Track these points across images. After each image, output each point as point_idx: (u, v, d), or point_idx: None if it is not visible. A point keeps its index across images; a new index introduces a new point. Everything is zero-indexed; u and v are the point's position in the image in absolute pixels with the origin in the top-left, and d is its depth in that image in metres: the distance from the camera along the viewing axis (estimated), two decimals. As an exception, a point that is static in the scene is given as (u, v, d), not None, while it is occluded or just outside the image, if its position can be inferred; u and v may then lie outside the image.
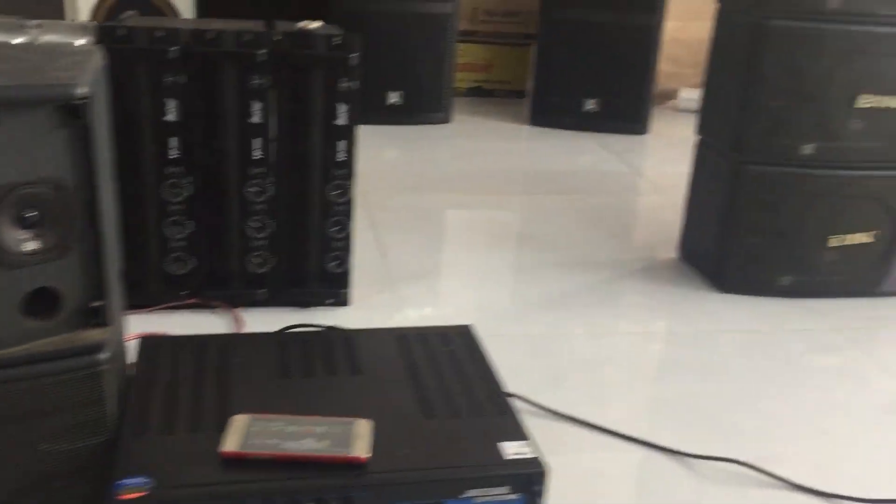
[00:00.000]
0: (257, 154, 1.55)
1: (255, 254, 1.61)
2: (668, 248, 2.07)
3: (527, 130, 3.14)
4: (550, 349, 1.58)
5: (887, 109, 1.71)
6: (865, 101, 1.70)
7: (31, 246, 0.86)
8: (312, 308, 1.66)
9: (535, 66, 3.13)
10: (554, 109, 3.13)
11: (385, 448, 0.94)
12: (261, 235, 1.60)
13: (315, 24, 1.66)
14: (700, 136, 1.93)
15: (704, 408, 1.42)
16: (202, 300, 1.60)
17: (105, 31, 1.44)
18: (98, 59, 0.96)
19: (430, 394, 1.05)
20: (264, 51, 1.50)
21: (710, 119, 1.89)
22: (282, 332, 1.38)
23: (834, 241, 1.80)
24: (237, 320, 1.58)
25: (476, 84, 3.52)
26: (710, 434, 1.34)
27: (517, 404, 1.32)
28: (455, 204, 2.38)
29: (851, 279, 1.84)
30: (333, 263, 1.65)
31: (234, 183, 1.56)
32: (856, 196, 1.77)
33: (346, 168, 1.60)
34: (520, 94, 3.52)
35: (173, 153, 1.52)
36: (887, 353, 1.64)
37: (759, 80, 1.69)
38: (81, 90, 0.82)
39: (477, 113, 3.33)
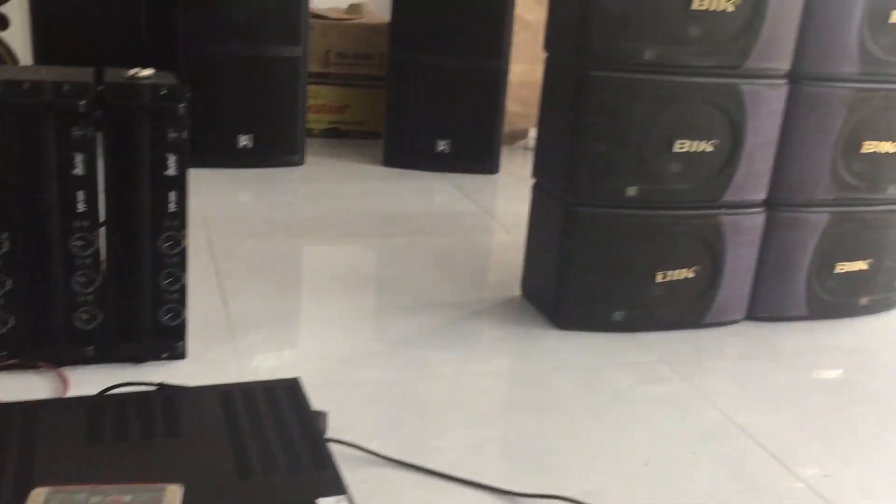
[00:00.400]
0: (81, 207, 1.50)
1: (82, 309, 1.55)
2: (514, 287, 2.13)
3: (381, 171, 3.17)
4: (392, 394, 1.59)
5: (701, 153, 1.83)
6: (681, 146, 1.82)
7: None
8: (147, 363, 1.61)
9: (386, 108, 3.18)
10: (407, 150, 3.18)
11: (196, 513, 0.92)
12: (88, 290, 1.55)
13: (146, 72, 1.63)
14: (536, 179, 2.01)
15: (536, 445, 1.46)
16: (24, 361, 1.53)
17: None
18: None
19: (250, 453, 1.04)
20: (85, 101, 1.46)
21: (544, 163, 1.97)
22: (98, 395, 1.33)
23: (660, 277, 1.91)
24: (62, 381, 1.51)
25: (331, 125, 3.54)
26: (539, 471, 1.38)
27: (350, 453, 1.32)
28: (306, 248, 2.37)
29: (678, 312, 1.94)
30: (167, 316, 1.61)
31: (56, 237, 1.50)
32: (677, 234, 1.88)
33: (178, 219, 1.57)
34: (376, 135, 3.55)
35: (-13, 208, 1.45)
36: (708, 382, 1.75)
37: (584, 126, 1.78)
38: None
39: (331, 155, 3.34)
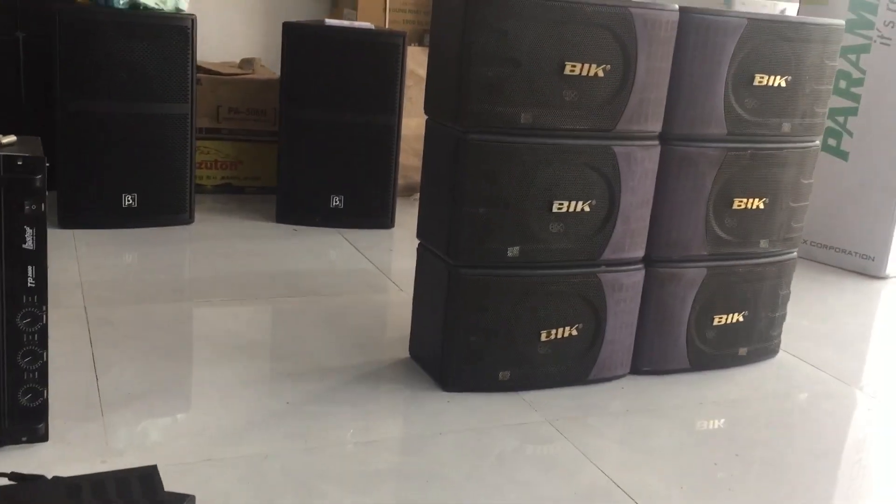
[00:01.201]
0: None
1: (-69, 394, 1.46)
2: (403, 348, 2.11)
3: (274, 228, 3.12)
4: (268, 471, 1.54)
5: (579, 213, 1.87)
6: (559, 206, 1.85)
7: None
8: (5, 448, 1.52)
9: (278, 164, 3.14)
10: (300, 206, 3.14)
11: None
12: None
13: (8, 139, 1.56)
14: (420, 240, 2.00)
15: (416, 519, 1.44)
16: None
17: None
18: None
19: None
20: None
21: (428, 224, 1.97)
22: None
23: (545, 336, 1.92)
24: None
25: (224, 181, 3.47)
26: (417, 548, 1.35)
27: (215, 542, 1.27)
28: (193, 311, 2.30)
29: (563, 370, 1.96)
30: (27, 398, 1.52)
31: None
32: (559, 292, 1.90)
33: (37, 294, 1.50)
34: (270, 190, 3.50)
35: None
36: (593, 441, 1.75)
37: (463, 188, 1.79)
38: None
39: (223, 211, 3.27)
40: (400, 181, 3.27)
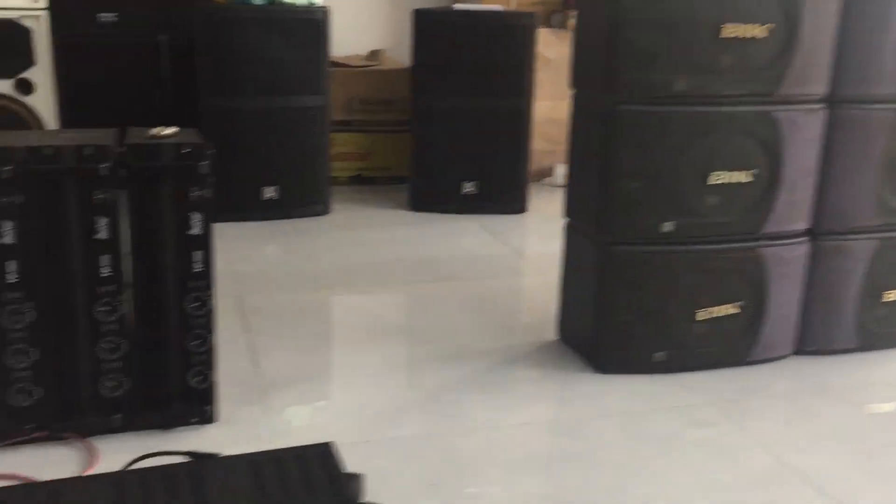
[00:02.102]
0: (106, 272, 1.48)
1: (109, 377, 1.52)
2: (549, 331, 2.07)
3: (408, 216, 3.14)
4: (428, 450, 1.53)
5: (738, 185, 1.77)
6: (717, 178, 1.76)
7: None
8: (175, 429, 1.57)
9: (411, 153, 3.15)
10: (433, 194, 3.14)
11: None
12: (114, 357, 1.51)
13: (169, 130, 1.61)
14: (567, 219, 1.95)
15: (581, 500, 1.39)
16: (51, 433, 1.49)
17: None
18: None
19: (282, 527, 0.99)
20: (106, 165, 1.44)
21: (575, 201, 1.92)
22: (122, 472, 1.28)
23: (702, 315, 1.83)
24: (90, 452, 1.47)
25: (356, 172, 3.52)
26: (589, 530, 1.31)
27: (387, 520, 1.26)
28: (336, 299, 2.33)
29: (722, 351, 1.87)
30: (196, 380, 1.57)
31: (81, 304, 1.47)
32: (717, 269, 1.81)
33: (204, 279, 1.54)
34: (401, 180, 3.53)
35: (11, 278, 1.42)
36: (758, 424, 1.66)
37: (615, 162, 1.73)
38: None
39: (357, 202, 3.31)
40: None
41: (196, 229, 1.51)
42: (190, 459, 1.34)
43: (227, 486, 1.06)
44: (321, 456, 1.15)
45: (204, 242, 1.52)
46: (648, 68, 1.68)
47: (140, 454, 1.43)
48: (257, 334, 2.03)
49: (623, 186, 1.74)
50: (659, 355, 1.84)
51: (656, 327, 1.82)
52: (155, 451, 1.43)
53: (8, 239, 1.41)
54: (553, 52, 3.47)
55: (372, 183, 3.54)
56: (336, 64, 3.40)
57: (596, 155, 1.79)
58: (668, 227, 1.77)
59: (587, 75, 1.83)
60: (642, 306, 1.81)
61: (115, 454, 1.46)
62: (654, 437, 1.61)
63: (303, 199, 3.03)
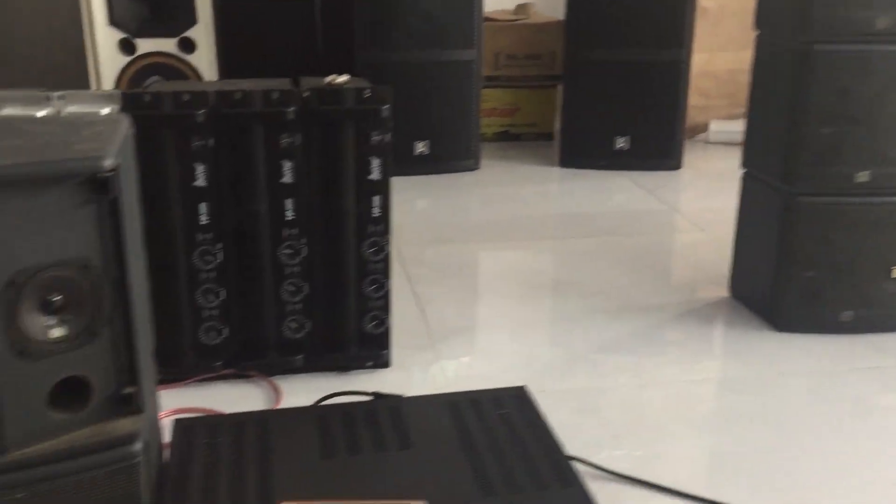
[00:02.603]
0: (290, 215, 1.50)
1: (291, 319, 1.55)
2: (715, 287, 1.98)
3: (557, 172, 3.08)
4: (600, 404, 1.49)
5: (944, 131, 1.62)
6: (920, 124, 1.62)
7: (57, 333, 0.80)
8: (352, 372, 1.59)
9: (562, 108, 3.08)
10: (584, 150, 3.07)
11: (446, 533, 0.85)
12: (296, 299, 1.54)
13: (342, 78, 1.61)
14: (746, 169, 1.85)
15: (770, 460, 1.32)
16: (237, 370, 1.54)
17: (130, 98, 1.41)
18: (125, 128, 0.91)
19: (488, 467, 0.97)
20: (293, 108, 1.45)
21: (756, 150, 1.81)
22: (324, 406, 1.30)
23: (897, 272, 1.71)
24: (275, 390, 1.51)
25: (503, 129, 3.48)
26: (778, 489, 1.24)
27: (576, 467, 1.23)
28: (489, 253, 2.31)
29: (919, 311, 1.73)
30: (372, 324, 1.58)
31: (266, 246, 1.51)
32: (917, 223, 1.68)
33: (382, 224, 1.54)
34: (547, 137, 3.46)
35: (203, 219, 1.47)
36: (968, 389, 1.54)
37: (807, 107, 1.62)
38: (108, 162, 0.76)
39: (505, 158, 3.27)
40: (685, 120, 3.09)
41: (375, 174, 1.51)
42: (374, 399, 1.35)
43: (428, 423, 1.06)
44: (517, 399, 1.13)
45: (383, 187, 1.52)
46: (847, 4, 1.55)
47: (321, 395, 1.45)
48: (422, 284, 2.03)
49: (814, 133, 1.63)
50: (847, 314, 1.72)
51: (845, 284, 1.70)
52: (337, 391, 1.45)
53: (200, 181, 1.45)
54: (710, 1, 3.30)
55: (517, 139, 3.49)
56: (484, 18, 3.35)
57: (784, 99, 1.67)
58: (863, 176, 1.65)
59: (776, 14, 1.71)
60: (831, 262, 1.69)
61: (297, 393, 1.50)
62: (844, 399, 1.51)
63: (453, 154, 3.01)
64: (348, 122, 1.48)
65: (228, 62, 3.11)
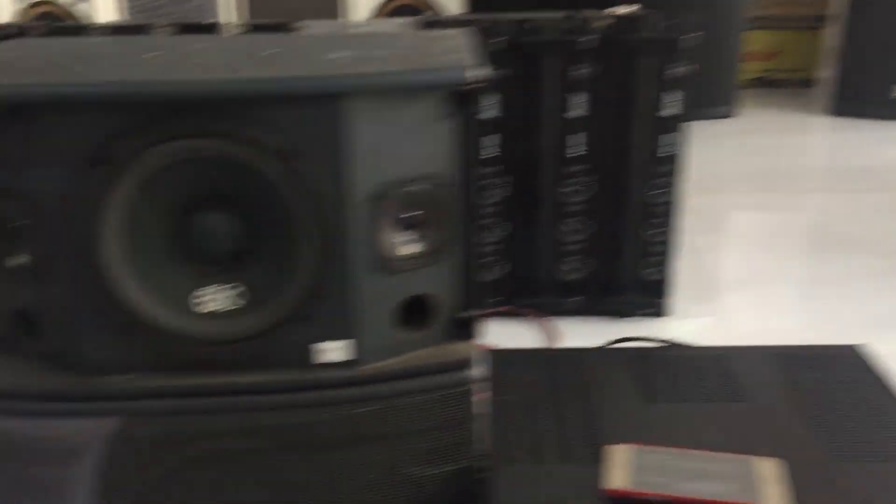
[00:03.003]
0: (576, 151, 1.44)
1: (569, 259, 1.50)
2: None
3: (826, 122, 2.81)
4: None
5: None
6: None
7: (410, 249, 0.79)
8: (627, 318, 1.52)
9: (839, 51, 2.79)
10: (859, 97, 2.77)
11: (803, 497, 0.77)
12: (575, 239, 1.49)
13: (629, 9, 1.52)
14: None
15: None
16: (513, 308, 1.51)
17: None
18: (474, 43, 0.86)
19: (833, 429, 0.87)
20: (588, 38, 1.38)
21: None
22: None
23: None
24: (551, 331, 1.47)
25: (760, 74, 3.22)
26: None
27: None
28: (758, 204, 2.14)
29: None
30: (651, 270, 1.50)
31: (548, 183, 1.46)
32: None
33: (670, 164, 1.44)
34: (807, 83, 3.17)
35: (493, 151, 1.44)
36: None
37: None
38: (474, 74, 0.73)
39: (762, 105, 3.03)
40: None
41: (669, 110, 1.41)
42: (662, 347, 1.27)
43: (754, 376, 0.97)
44: (850, 358, 1.01)
45: (676, 125, 1.42)
46: None
47: (598, 339, 1.39)
48: (695, 234, 1.91)
49: None
50: None
51: None
52: (620, 337, 1.38)
53: (493, 112, 1.41)
54: None
55: (775, 86, 3.23)
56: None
57: None
58: None
59: None
60: None
61: (573, 336, 1.45)
62: None
63: (708, 100, 2.83)
64: (645, 53, 1.38)
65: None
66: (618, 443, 0.85)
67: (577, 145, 1.43)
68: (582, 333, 1.46)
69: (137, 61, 0.78)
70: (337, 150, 0.72)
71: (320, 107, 0.71)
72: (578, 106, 1.41)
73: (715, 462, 0.81)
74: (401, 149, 0.75)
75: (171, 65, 0.76)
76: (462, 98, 0.75)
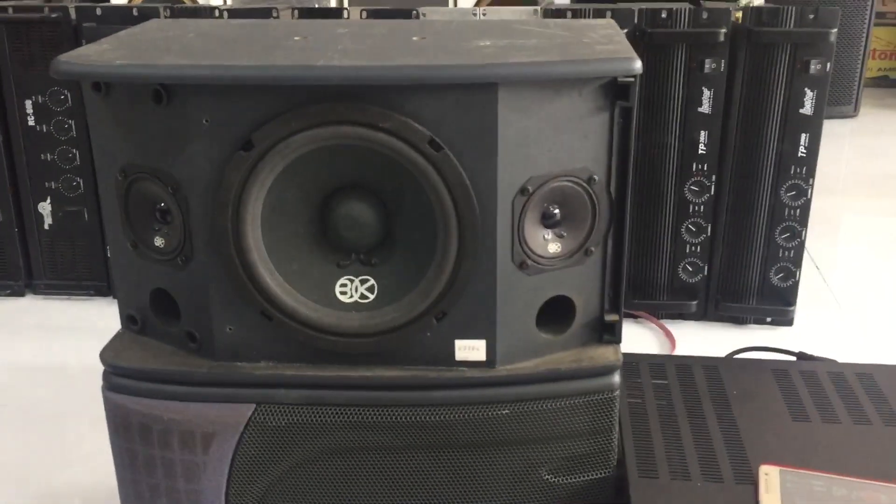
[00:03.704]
0: (702, 148, 1.37)
1: (688, 261, 1.43)
2: None
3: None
4: None
5: None
6: None
7: (553, 248, 0.75)
8: (748, 325, 1.45)
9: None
10: None
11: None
12: (696, 241, 1.42)
13: (758, 1, 1.44)
14: None
15: None
16: (626, 310, 1.46)
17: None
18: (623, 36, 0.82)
19: None
20: (722, 30, 1.31)
21: None
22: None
23: None
24: (667, 335, 1.42)
25: (883, 73, 3.06)
26: None
27: None
28: (875, 210, 2.02)
29: None
30: (779, 276, 1.42)
31: (670, 180, 1.40)
32: None
33: (807, 165, 1.37)
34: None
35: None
36: None
37: None
38: (637, 65, 0.68)
39: (883, 105, 2.88)
40: None
41: (807, 108, 1.34)
42: (796, 360, 1.20)
43: (913, 400, 0.90)
44: None
45: (814, 124, 1.35)
46: None
47: (717, 347, 1.34)
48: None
49: None
50: None
51: None
52: (743, 347, 1.31)
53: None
54: None
55: (896, 86, 3.06)
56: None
57: None
58: None
59: None
60: None
61: (690, 342, 1.39)
62: None
63: (830, 98, 2.68)
64: (785, 46, 1.31)
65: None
66: (765, 462, 0.80)
67: (703, 142, 1.37)
68: (697, 340, 1.40)
69: (284, 46, 0.77)
70: (487, 142, 0.69)
71: (473, 96, 0.68)
72: (707, 101, 1.35)
73: (867, 490, 0.75)
74: (551, 142, 0.71)
75: (318, 50, 0.74)
76: (619, 90, 0.71)
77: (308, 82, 0.68)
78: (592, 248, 0.76)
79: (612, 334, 0.79)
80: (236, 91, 0.69)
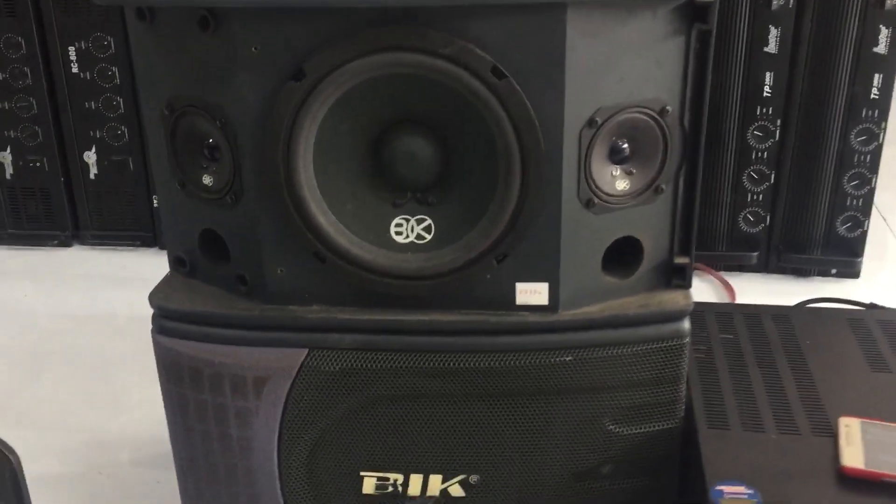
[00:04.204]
0: (767, 91, 1.31)
1: (749, 210, 1.38)
2: None
3: None
4: None
5: None
6: None
7: (622, 185, 0.70)
8: (812, 277, 1.39)
9: None
10: None
11: None
12: (758, 189, 1.36)
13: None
14: None
15: None
16: (685, 260, 1.41)
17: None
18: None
19: None
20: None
21: None
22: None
23: None
24: (726, 288, 1.37)
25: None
26: None
27: None
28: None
29: None
30: (846, 226, 1.36)
31: (732, 124, 1.33)
32: None
33: (879, 108, 1.29)
34: None
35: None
36: None
37: None
38: (718, -17, 0.63)
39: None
40: None
41: (881, 46, 1.26)
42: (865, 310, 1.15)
43: None
44: None
45: (888, 63, 1.27)
46: None
47: (779, 299, 1.28)
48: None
49: None
50: None
51: None
52: (808, 298, 1.25)
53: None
54: None
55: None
56: None
57: None
58: None
59: None
60: None
61: (751, 294, 1.34)
62: None
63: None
64: (860, -19, 1.23)
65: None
66: (843, 414, 0.75)
67: (769, 84, 1.30)
68: (759, 292, 1.35)
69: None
70: (554, 69, 0.65)
71: (540, 18, 0.63)
72: (773, 41, 1.28)
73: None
74: (622, 70, 0.66)
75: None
76: (697, 11, 0.65)
77: (363, 4, 0.64)
78: (663, 186, 0.71)
79: (681, 278, 0.75)
80: (287, 16, 0.65)
